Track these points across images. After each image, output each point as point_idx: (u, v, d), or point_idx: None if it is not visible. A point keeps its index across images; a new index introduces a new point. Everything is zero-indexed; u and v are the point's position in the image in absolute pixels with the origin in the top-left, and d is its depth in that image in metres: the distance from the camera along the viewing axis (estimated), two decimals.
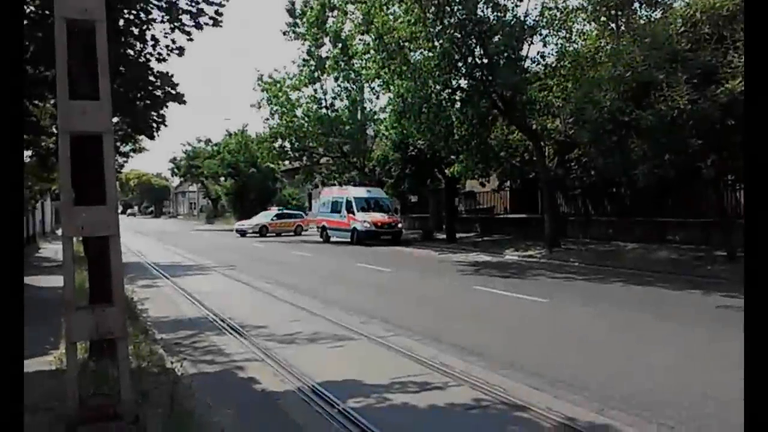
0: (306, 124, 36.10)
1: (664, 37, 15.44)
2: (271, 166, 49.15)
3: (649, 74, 14.95)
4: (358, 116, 36.61)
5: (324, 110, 36.30)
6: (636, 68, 15.26)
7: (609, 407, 5.99)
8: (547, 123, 24.20)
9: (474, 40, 21.94)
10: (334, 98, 36.65)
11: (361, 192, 32.90)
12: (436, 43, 21.89)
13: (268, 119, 36.79)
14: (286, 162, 43.94)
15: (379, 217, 30.74)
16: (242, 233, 41.23)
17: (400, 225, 31.49)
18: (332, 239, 33.27)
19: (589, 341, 8.88)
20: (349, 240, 31.50)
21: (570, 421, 5.65)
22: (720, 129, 14.42)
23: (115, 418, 4.44)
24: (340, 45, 33.16)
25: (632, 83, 15.26)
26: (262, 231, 41.01)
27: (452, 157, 26.18)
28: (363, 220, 30.62)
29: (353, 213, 31.27)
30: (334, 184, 40.71)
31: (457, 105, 23.96)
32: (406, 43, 22.58)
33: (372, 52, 24.34)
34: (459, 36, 21.62)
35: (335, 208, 33.28)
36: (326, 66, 34.67)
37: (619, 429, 5.42)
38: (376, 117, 36.14)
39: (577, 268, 18.20)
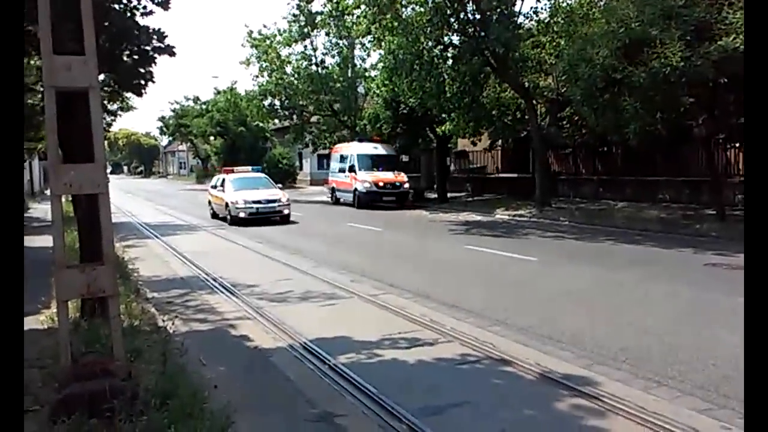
0: (296, 82, 35.67)
1: None
2: (261, 124, 48.68)
3: (642, 31, 14.75)
4: (349, 74, 36.17)
5: (314, 67, 35.83)
6: (629, 24, 15.03)
7: (597, 363, 6.09)
8: (540, 81, 24.01)
9: None
10: (324, 55, 36.18)
11: (366, 148, 29.20)
12: None
13: (257, 76, 36.34)
14: (276, 121, 43.47)
15: (382, 175, 27.29)
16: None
17: (406, 185, 27.83)
18: (341, 201, 29.95)
19: (578, 299, 8.97)
20: (352, 203, 28.38)
21: (557, 375, 5.74)
22: (712, 87, 14.35)
23: (108, 376, 4.48)
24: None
25: (625, 40, 15.04)
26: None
27: (444, 115, 25.96)
28: (363, 179, 27.32)
29: (355, 172, 28.10)
30: (325, 144, 40.34)
31: (449, 62, 23.73)
32: None
33: (363, 6, 23.90)
34: None
35: (341, 166, 30.11)
36: (316, 22, 34.08)
37: (606, 383, 5.52)
38: (367, 74, 35.67)
39: (567, 227, 18.29)
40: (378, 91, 30.37)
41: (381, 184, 26.98)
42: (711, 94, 14.59)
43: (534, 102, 23.67)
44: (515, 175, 28.67)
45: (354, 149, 29.29)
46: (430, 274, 11.44)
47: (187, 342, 6.52)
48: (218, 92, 53.11)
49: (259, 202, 21.29)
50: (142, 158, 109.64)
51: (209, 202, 24.64)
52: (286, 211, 21.66)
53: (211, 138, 59.43)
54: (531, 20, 23.31)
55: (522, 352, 6.48)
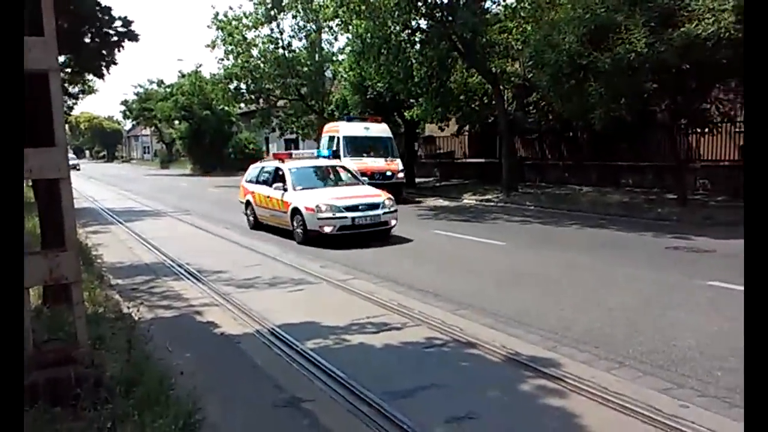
0: (262, 65, 35.19)
1: None
2: (227, 108, 47.99)
3: (607, 17, 14.91)
4: (317, 57, 35.82)
5: (281, 51, 35.39)
6: (595, 10, 15.17)
7: (562, 344, 6.20)
8: (507, 66, 24.08)
9: None
10: (291, 38, 35.72)
11: (354, 129, 24.13)
12: None
13: (222, 59, 35.79)
14: (242, 105, 42.92)
15: (371, 164, 22.34)
16: None
17: (401, 174, 22.89)
18: None
19: (545, 283, 9.09)
20: None
21: (522, 357, 5.83)
22: (676, 73, 14.58)
23: (71, 363, 4.41)
24: None
25: (591, 26, 15.18)
26: None
27: (412, 100, 25.95)
28: (349, 167, 23.60)
29: (340, 158, 22.92)
30: (292, 129, 39.92)
31: (417, 47, 23.64)
32: None
33: None
34: None
35: (329, 151, 26.40)
36: (283, 4, 33.65)
37: (570, 365, 5.62)
38: (334, 58, 35.40)
39: (533, 212, 18.50)
40: (346, 76, 30.14)
41: (369, 173, 21.46)
42: (674, 80, 14.82)
43: (501, 87, 23.76)
44: (482, 160, 28.82)
45: (341, 130, 24.14)
46: (398, 259, 11.48)
47: (153, 329, 6.45)
48: (183, 75, 52.03)
49: (355, 208, 13.09)
50: (105, 143, 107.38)
51: (246, 204, 16.20)
52: (393, 222, 13.59)
53: (176, 122, 58.40)
54: (498, 5, 23.34)
55: (489, 335, 6.56)
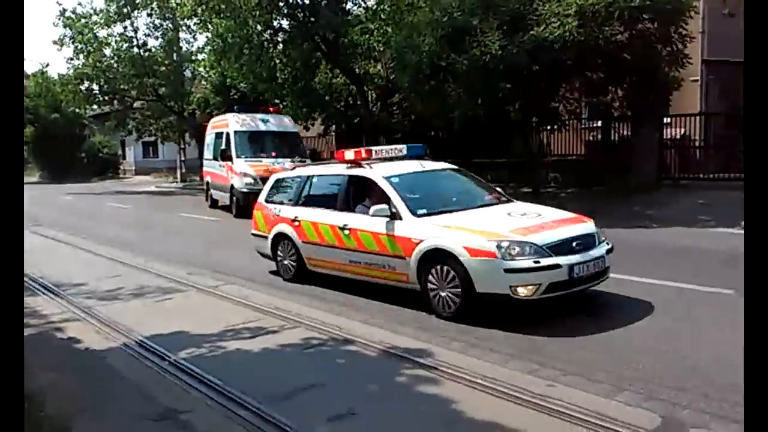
0: (116, 65, 33.48)
1: None
2: (78, 111, 45.05)
3: (464, 20, 15.60)
4: (175, 57, 34.55)
5: (136, 50, 33.78)
6: (452, 14, 15.83)
7: (436, 335, 6.43)
8: (370, 67, 24.53)
9: None
10: (147, 36, 34.23)
11: (250, 123, 19.81)
12: None
13: (72, 59, 33.54)
14: (95, 106, 40.47)
15: (274, 166, 16.89)
16: None
17: None
18: (219, 203, 20.48)
19: None
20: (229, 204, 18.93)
21: (398, 350, 6.00)
22: (527, 74, 15.53)
23: None
24: None
25: (448, 29, 15.82)
26: None
27: (277, 100, 25.75)
28: (243, 171, 17.97)
29: (231, 159, 18.68)
30: (150, 131, 38.04)
31: (280, 47, 23.47)
32: None
33: None
34: None
35: (216, 151, 20.47)
36: (137, 2, 32.11)
37: (444, 354, 5.86)
38: (194, 57, 34.30)
39: None
40: (206, 75, 29.36)
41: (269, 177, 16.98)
42: (526, 80, 15.77)
43: (365, 88, 24.16)
44: None
45: (231, 124, 19.58)
46: (268, 263, 11.34)
47: None
48: (27, 76, 48.26)
49: (568, 247, 6.73)
50: None
51: (279, 240, 9.44)
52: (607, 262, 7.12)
53: None
54: (359, 7, 23.69)
55: (366, 331, 6.69)
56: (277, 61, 23.03)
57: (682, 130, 18.55)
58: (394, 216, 7.44)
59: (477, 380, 5.14)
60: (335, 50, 22.42)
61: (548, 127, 19.81)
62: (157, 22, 33.63)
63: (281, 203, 9.55)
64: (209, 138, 21.83)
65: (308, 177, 9.50)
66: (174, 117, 35.75)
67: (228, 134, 19.33)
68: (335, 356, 6.10)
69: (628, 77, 16.36)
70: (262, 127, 19.79)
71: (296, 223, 8.89)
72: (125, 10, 32.67)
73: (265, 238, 9.58)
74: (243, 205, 16.92)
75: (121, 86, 34.58)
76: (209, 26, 23.70)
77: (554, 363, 5.45)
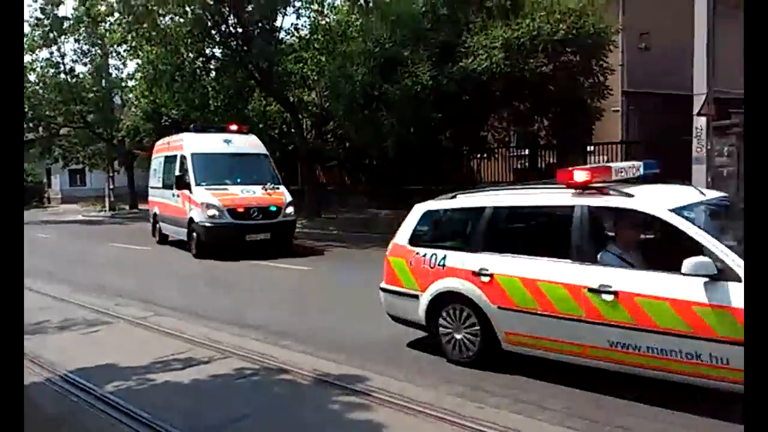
0: (41, 91, 32.46)
1: (407, 16, 16.60)
2: None
3: (395, 50, 16.01)
4: (103, 83, 33.81)
5: (63, 75, 32.92)
6: (383, 44, 16.22)
7: (368, 361, 6.47)
8: (304, 96, 24.70)
9: (227, 9, 21.47)
10: (74, 62, 33.43)
11: (210, 143, 16.44)
12: (188, 9, 20.99)
13: None
14: None
15: (243, 195, 15.10)
16: None
17: (290, 210, 15.53)
18: (170, 239, 17.74)
19: (351, 306, 9.40)
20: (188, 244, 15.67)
21: (331, 377, 6.02)
22: (456, 104, 16.00)
23: None
24: (82, 4, 30.09)
25: (381, 59, 16.20)
26: None
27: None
28: (206, 202, 14.82)
29: (190, 188, 15.44)
30: (78, 159, 36.99)
31: (213, 74, 23.37)
32: (155, 7, 21.27)
33: (117, 14, 22.56)
34: (211, 3, 21.01)
35: (167, 178, 17.69)
36: (64, 27, 31.36)
37: (376, 379, 5.91)
38: (124, 84, 33.64)
39: (336, 236, 19.02)
40: (137, 102, 28.83)
41: (241, 209, 14.77)
42: (456, 110, 16.24)
43: (300, 116, 24.27)
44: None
45: (187, 146, 16.32)
46: (204, 291, 11.19)
47: None
48: None
49: None
50: None
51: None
52: None
53: None
54: (292, 36, 23.88)
55: (300, 359, 6.66)
56: (210, 89, 22.93)
57: (605, 158, 19.39)
58: (722, 274, 4.62)
59: (408, 405, 5.21)
60: (269, 78, 22.48)
61: (478, 155, 20.35)
62: (85, 48, 32.93)
63: (444, 247, 6.55)
64: (156, 162, 19.05)
65: (494, 209, 6.29)
66: (103, 144, 34.86)
67: (184, 157, 16.03)
68: (269, 385, 6.06)
69: (553, 107, 17.08)
70: (226, 148, 16.36)
71: (484, 279, 5.92)
72: (51, 35, 31.86)
73: (413, 297, 6.52)
74: (206, 242, 14.77)
75: (47, 113, 33.52)
76: (140, 53, 23.38)
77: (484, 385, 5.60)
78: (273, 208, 14.96)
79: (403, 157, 18.90)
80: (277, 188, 15.63)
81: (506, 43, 14.80)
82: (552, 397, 5.29)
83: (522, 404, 5.15)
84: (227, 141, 16.48)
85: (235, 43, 22.26)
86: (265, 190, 15.31)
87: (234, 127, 17.22)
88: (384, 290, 6.98)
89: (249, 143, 16.98)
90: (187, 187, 15.36)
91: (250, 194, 15.05)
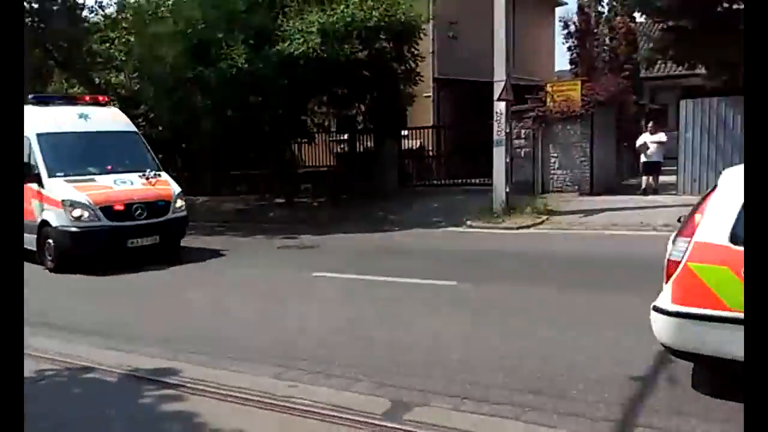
0: None
1: None
2: None
3: (209, 32, 15.49)
4: None
5: None
6: (196, 26, 15.62)
7: (181, 352, 6.32)
8: (111, 77, 23.11)
9: None
10: None
11: (61, 120, 12.48)
12: None
13: None
14: None
15: (119, 188, 11.63)
16: None
17: (180, 203, 12.27)
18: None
19: (164, 292, 9.12)
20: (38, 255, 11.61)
21: (143, 371, 5.82)
22: (275, 88, 15.86)
23: None
24: None
25: (193, 40, 15.60)
26: None
27: None
28: (69, 199, 11.09)
29: (40, 181, 11.46)
30: None
31: None
32: None
33: None
34: None
35: None
36: None
37: (190, 369, 5.81)
38: None
39: None
40: None
41: (120, 207, 11.26)
42: (275, 94, 16.07)
43: (107, 98, 22.71)
44: None
45: (30, 124, 11.35)
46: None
47: None
48: None
49: None
50: None
51: None
52: None
53: None
54: (97, 14, 22.25)
55: (109, 357, 6.33)
56: None
57: (419, 142, 20.39)
58: None
59: (221, 391, 5.19)
60: (71, 59, 20.79)
61: (299, 140, 20.42)
62: None
63: None
64: None
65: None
66: None
67: (29, 140, 11.59)
68: (72, 385, 5.70)
69: (369, 93, 17.56)
70: (83, 125, 12.52)
71: None
72: None
73: (732, 322, 3.95)
74: (69, 251, 11.15)
75: None
76: None
77: (298, 364, 5.73)
78: (161, 203, 11.73)
79: (226, 142, 18.45)
80: (159, 176, 12.47)
81: (322, 28, 14.89)
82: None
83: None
84: (83, 116, 12.66)
85: (29, 20, 20.28)
86: (147, 179, 12.07)
87: (87, 99, 13.84)
88: (676, 315, 4.38)
89: (113, 118, 13.46)
90: (36, 180, 11.38)
91: (128, 186, 11.67)
